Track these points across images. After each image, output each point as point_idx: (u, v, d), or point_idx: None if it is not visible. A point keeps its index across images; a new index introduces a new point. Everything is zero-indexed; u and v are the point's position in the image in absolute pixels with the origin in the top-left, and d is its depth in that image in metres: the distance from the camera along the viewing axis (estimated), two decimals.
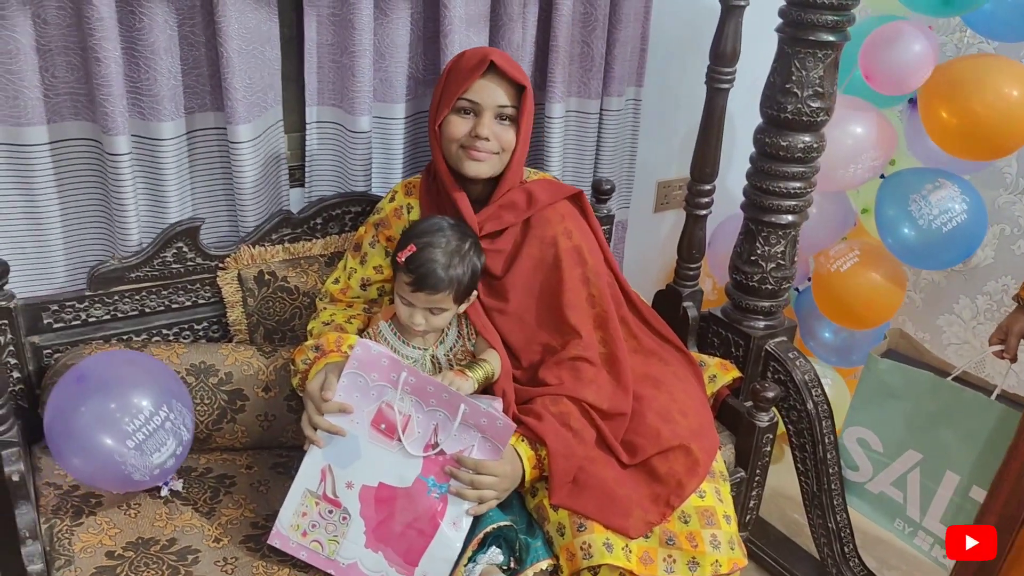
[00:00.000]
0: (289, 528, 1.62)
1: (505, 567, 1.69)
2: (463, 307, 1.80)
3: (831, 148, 2.26)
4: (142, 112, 1.86)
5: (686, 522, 1.73)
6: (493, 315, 1.87)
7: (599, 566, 1.65)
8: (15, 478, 1.55)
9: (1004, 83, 2.29)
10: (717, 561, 1.70)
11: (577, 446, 1.75)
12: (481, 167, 1.80)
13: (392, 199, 1.96)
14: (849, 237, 2.76)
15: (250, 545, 1.68)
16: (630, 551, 1.68)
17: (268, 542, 1.63)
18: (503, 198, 1.86)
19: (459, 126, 1.78)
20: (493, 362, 1.79)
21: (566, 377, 1.81)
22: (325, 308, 1.94)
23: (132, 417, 1.59)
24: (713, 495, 1.79)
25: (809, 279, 2.76)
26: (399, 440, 1.62)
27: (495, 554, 1.68)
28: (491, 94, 1.77)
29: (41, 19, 1.73)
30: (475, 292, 1.82)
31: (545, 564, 1.68)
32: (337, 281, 1.96)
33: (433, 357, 1.82)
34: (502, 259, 1.88)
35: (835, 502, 2.28)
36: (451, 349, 1.82)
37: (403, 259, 1.69)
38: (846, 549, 2.30)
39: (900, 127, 2.61)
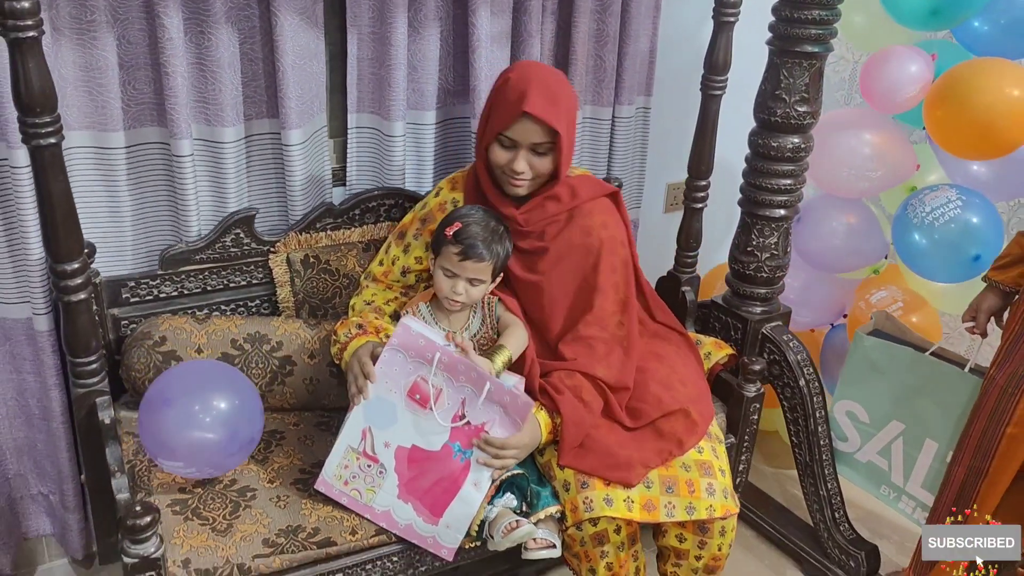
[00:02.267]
0: (333, 477, 1.88)
1: (518, 510, 1.93)
2: (494, 284, 2.03)
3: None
4: (208, 118, 2.11)
5: (687, 470, 1.95)
6: (529, 290, 2.08)
7: (599, 517, 1.88)
8: (107, 421, 1.82)
9: (1003, 83, 2.37)
10: (711, 506, 1.91)
11: (587, 415, 1.96)
12: (519, 190, 2.01)
13: (437, 194, 2.16)
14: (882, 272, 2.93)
15: (299, 486, 1.94)
16: (632, 502, 1.89)
17: (315, 487, 1.89)
18: (547, 191, 2.05)
19: (501, 155, 1.97)
20: (512, 345, 2.00)
21: (581, 353, 2.03)
22: (368, 287, 2.18)
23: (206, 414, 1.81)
24: (710, 452, 2.01)
25: (845, 316, 2.93)
26: (430, 410, 1.86)
27: (509, 499, 1.92)
28: (526, 134, 1.93)
29: (125, 39, 1.99)
30: (501, 273, 2.05)
31: (553, 510, 1.91)
32: (381, 264, 2.18)
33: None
34: (544, 242, 2.06)
35: (826, 471, 2.48)
36: (475, 334, 2.05)
37: (451, 233, 1.93)
38: (836, 515, 2.49)
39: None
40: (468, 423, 1.87)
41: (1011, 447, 2.07)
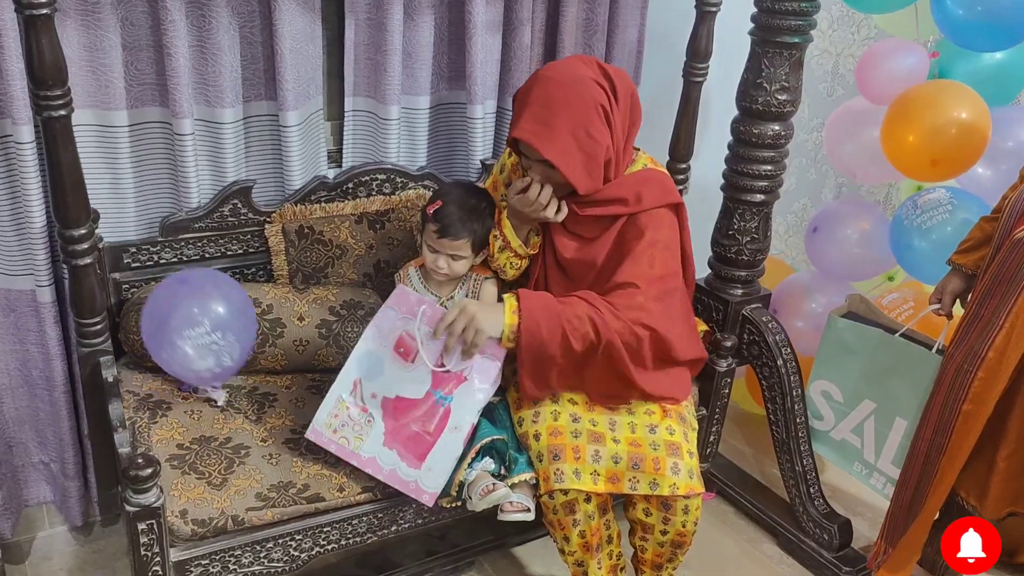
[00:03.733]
0: (323, 426, 1.98)
1: (496, 474, 2.02)
2: (479, 258, 2.13)
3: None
4: (208, 100, 2.19)
5: (655, 448, 2.01)
6: (574, 267, 2.10)
7: (568, 489, 1.96)
8: (109, 379, 1.91)
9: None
10: (675, 484, 1.97)
11: (545, 322, 1.92)
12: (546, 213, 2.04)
13: (510, 155, 2.20)
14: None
15: (290, 445, 2.04)
16: (598, 475, 1.98)
17: (306, 436, 1.99)
18: (612, 191, 2.04)
19: (524, 162, 2.05)
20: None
21: (616, 299, 1.99)
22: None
23: (193, 327, 1.93)
24: (681, 435, 2.07)
25: None
26: (413, 361, 1.97)
27: (487, 463, 2.02)
28: (530, 151, 1.97)
29: (128, 21, 2.06)
30: (486, 248, 2.13)
31: (527, 476, 2.01)
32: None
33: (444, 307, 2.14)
34: (596, 233, 2.08)
35: (802, 448, 2.56)
36: None
37: (431, 211, 2.04)
38: (811, 490, 2.57)
39: None
40: (448, 371, 1.97)
41: (967, 423, 2.13)
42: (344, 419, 1.98)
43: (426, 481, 1.96)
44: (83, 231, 1.78)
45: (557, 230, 2.12)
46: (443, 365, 1.97)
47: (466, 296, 2.15)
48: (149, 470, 1.69)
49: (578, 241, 2.11)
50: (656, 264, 2.04)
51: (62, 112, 1.68)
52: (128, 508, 1.69)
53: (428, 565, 2.40)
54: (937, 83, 2.63)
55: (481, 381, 1.99)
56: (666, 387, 2.11)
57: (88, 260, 1.81)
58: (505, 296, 1.97)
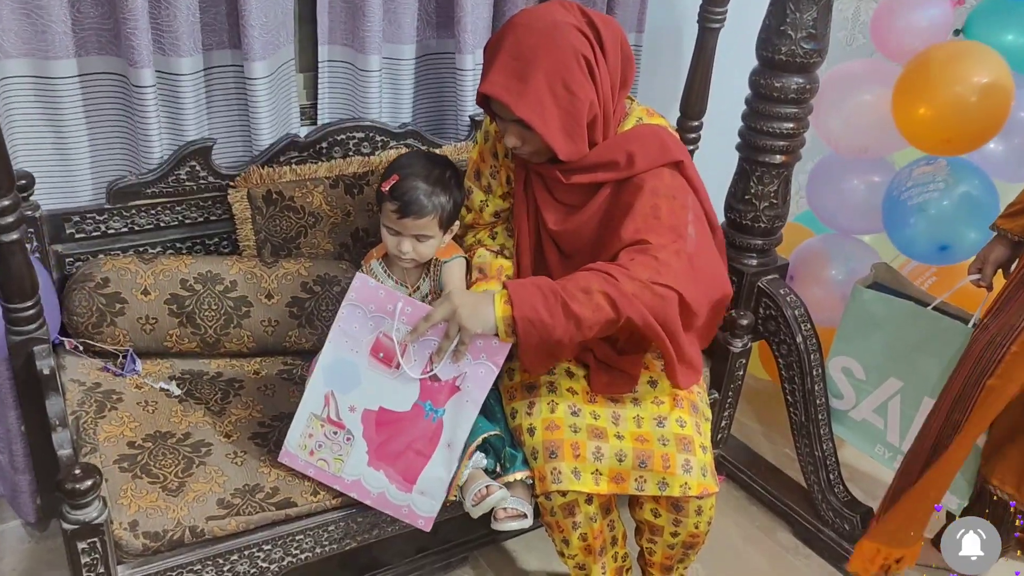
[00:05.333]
0: (297, 447, 1.73)
1: (491, 470, 1.81)
2: (447, 237, 1.88)
3: None
4: (163, 48, 1.94)
5: (664, 444, 1.79)
6: (562, 238, 1.87)
7: (566, 490, 1.74)
8: (46, 371, 1.67)
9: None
10: (686, 483, 1.76)
11: (542, 305, 1.64)
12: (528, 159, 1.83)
13: (492, 121, 1.91)
14: None
15: (258, 441, 1.81)
16: (600, 475, 1.75)
17: (279, 460, 1.74)
18: (599, 154, 1.79)
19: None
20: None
21: (637, 256, 1.71)
22: (469, 238, 2.01)
23: None
24: (693, 427, 1.84)
25: None
26: (397, 367, 1.69)
27: (480, 459, 1.80)
28: (501, 109, 1.72)
29: None
30: (457, 224, 1.89)
31: (520, 475, 1.79)
32: (469, 210, 1.98)
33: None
34: (583, 201, 1.84)
35: (822, 432, 2.38)
36: (425, 296, 1.89)
37: (387, 188, 1.77)
38: (831, 476, 2.39)
39: None
40: (436, 378, 1.71)
41: (989, 398, 1.98)
42: (320, 438, 1.72)
43: (420, 505, 1.74)
44: (7, 202, 1.51)
45: (543, 200, 1.86)
46: (431, 371, 1.71)
47: (429, 289, 1.90)
48: (88, 482, 1.46)
49: (564, 209, 1.85)
50: (662, 213, 1.75)
51: None
52: (65, 526, 1.46)
53: (419, 562, 2.20)
54: (957, 45, 2.41)
55: (475, 394, 1.72)
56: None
57: (14, 236, 1.54)
58: (493, 290, 1.70)
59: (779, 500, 2.52)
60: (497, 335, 1.66)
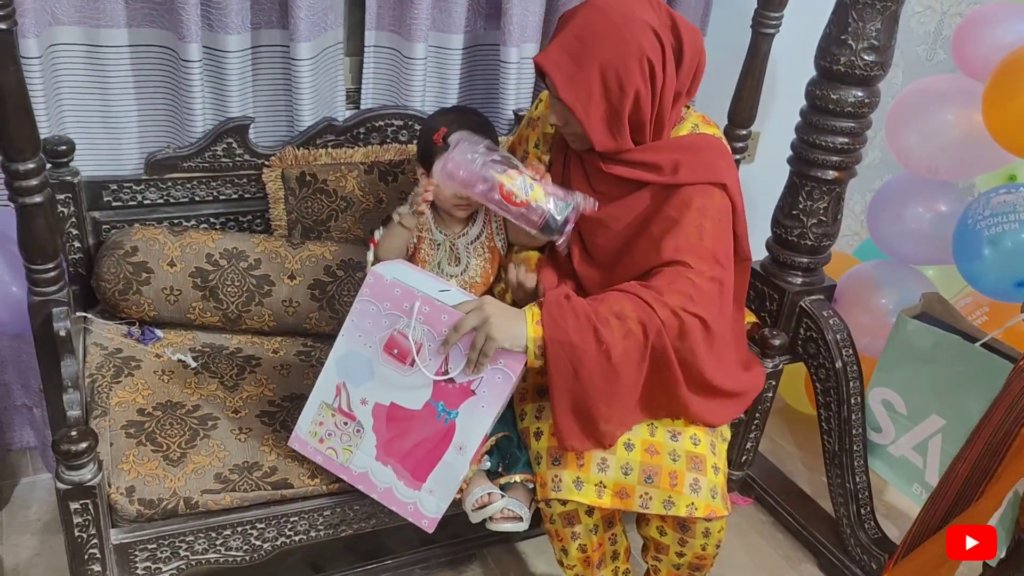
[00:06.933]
0: (307, 434, 1.73)
1: (494, 470, 1.79)
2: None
3: None
4: (211, 24, 1.96)
5: (674, 460, 1.71)
6: (573, 262, 1.82)
7: (566, 500, 1.70)
8: (62, 333, 1.70)
9: None
10: (693, 504, 1.68)
11: (574, 327, 1.58)
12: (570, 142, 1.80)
13: (537, 107, 1.93)
14: None
15: (264, 420, 1.82)
16: (604, 487, 1.69)
17: (289, 444, 1.74)
18: (644, 154, 1.73)
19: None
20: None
21: (675, 279, 1.66)
22: None
23: None
24: (707, 446, 1.76)
25: None
26: (411, 364, 1.65)
27: (484, 460, 1.77)
28: (552, 87, 1.69)
29: None
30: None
31: (521, 477, 1.76)
32: None
33: (452, 245, 1.89)
34: (610, 198, 1.77)
35: (856, 463, 2.28)
36: (474, 240, 1.89)
37: (439, 138, 1.75)
38: (863, 511, 2.28)
39: None
40: (452, 381, 1.66)
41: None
42: (330, 427, 1.72)
43: (426, 504, 1.71)
44: (31, 165, 1.55)
45: (579, 186, 1.79)
46: (446, 372, 1.66)
47: (482, 228, 1.90)
48: (83, 444, 1.48)
49: (596, 198, 1.76)
50: (706, 236, 1.69)
51: (1, 26, 1.44)
52: (59, 485, 1.50)
53: (424, 554, 2.18)
54: None
55: (490, 400, 1.66)
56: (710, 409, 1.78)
57: (38, 199, 1.58)
58: (526, 307, 1.64)
59: (806, 530, 2.42)
60: (524, 352, 1.61)
